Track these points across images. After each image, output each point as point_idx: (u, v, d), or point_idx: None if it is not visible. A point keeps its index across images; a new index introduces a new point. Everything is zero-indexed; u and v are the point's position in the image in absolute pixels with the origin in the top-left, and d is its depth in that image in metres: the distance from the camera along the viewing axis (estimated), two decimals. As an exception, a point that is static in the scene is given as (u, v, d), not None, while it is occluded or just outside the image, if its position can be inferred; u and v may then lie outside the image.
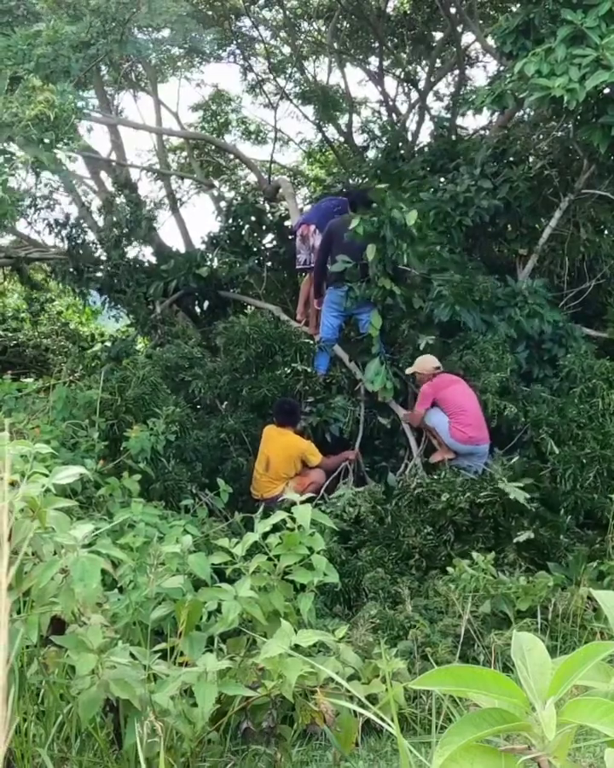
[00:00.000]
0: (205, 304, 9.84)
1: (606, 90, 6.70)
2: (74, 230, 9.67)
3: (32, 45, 5.71)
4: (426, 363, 7.05)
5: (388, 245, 7.20)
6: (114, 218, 9.61)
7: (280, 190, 10.86)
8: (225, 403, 7.76)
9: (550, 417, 7.12)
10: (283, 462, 6.92)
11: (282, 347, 7.71)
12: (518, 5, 8.21)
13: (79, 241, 9.67)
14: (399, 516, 6.28)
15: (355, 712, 2.60)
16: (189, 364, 7.80)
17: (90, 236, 10.10)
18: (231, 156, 14.11)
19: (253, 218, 9.99)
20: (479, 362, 7.31)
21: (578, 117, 7.38)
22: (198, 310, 9.97)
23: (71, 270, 9.68)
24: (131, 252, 9.80)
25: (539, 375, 7.87)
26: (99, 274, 9.70)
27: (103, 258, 9.72)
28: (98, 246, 9.91)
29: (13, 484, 2.26)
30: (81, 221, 10.04)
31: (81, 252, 9.67)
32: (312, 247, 8.44)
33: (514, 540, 5.82)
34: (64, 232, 9.61)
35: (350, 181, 11.09)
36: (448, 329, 7.82)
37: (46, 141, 5.29)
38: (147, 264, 9.85)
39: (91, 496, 5.29)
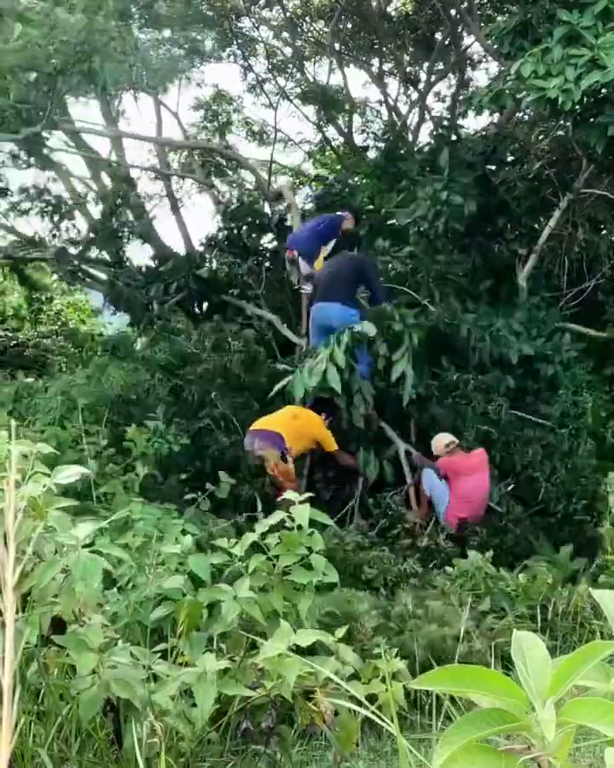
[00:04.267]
0: (205, 305, 9.85)
1: (603, 91, 6.71)
2: (72, 230, 9.71)
3: None
4: (439, 442, 7.00)
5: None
6: (113, 218, 9.62)
7: (282, 196, 10.79)
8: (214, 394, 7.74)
9: (540, 457, 7.23)
10: (310, 425, 6.98)
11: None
12: (516, 6, 8.22)
13: (77, 241, 9.70)
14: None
15: (355, 711, 2.60)
16: (183, 363, 7.82)
17: (89, 236, 10.12)
18: (231, 157, 14.11)
19: (252, 219, 10.00)
20: (465, 409, 7.37)
21: (577, 117, 7.39)
22: (198, 311, 9.98)
23: (69, 269, 9.70)
24: (130, 251, 9.82)
25: (532, 388, 7.90)
26: (101, 274, 9.73)
27: (101, 257, 9.73)
28: (96, 245, 9.92)
29: (17, 484, 2.25)
30: (79, 221, 10.07)
31: (80, 251, 9.70)
32: (299, 272, 8.49)
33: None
34: (61, 232, 9.64)
35: (350, 181, 11.10)
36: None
37: None
38: (146, 267, 9.87)
39: (98, 496, 5.32)
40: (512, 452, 7.28)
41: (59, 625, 2.51)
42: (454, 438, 7.00)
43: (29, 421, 5.85)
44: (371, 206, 8.95)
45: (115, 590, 3.13)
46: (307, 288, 8.40)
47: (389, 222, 9.15)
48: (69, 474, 2.36)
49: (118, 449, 6.11)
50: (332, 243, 8.39)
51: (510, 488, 7.01)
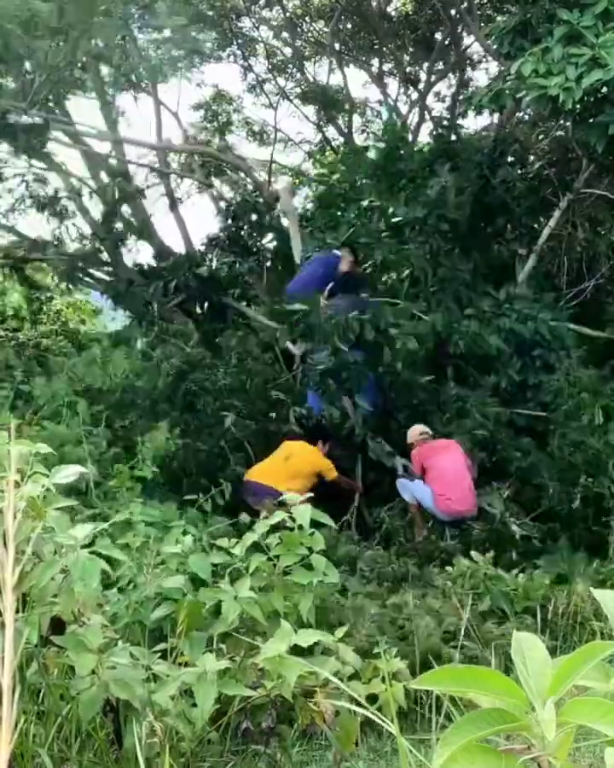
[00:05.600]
0: (205, 304, 9.86)
1: (604, 89, 6.70)
2: (72, 230, 9.73)
3: None
4: (413, 431, 7.11)
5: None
6: (113, 217, 9.63)
7: (279, 202, 10.72)
8: (229, 415, 7.71)
9: (537, 464, 7.21)
10: (305, 462, 6.92)
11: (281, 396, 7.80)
12: (516, 6, 8.22)
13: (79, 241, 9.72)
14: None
15: (355, 711, 2.60)
16: (192, 368, 7.83)
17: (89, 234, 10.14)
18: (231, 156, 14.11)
19: (253, 218, 10.00)
20: (457, 417, 7.39)
21: (577, 116, 7.39)
22: (198, 310, 9.98)
23: (70, 269, 9.71)
24: (131, 251, 9.84)
25: (534, 382, 7.88)
26: (100, 274, 9.74)
27: (104, 257, 9.75)
28: (97, 243, 9.94)
29: (17, 484, 2.25)
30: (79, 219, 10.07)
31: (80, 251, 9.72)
32: None
33: None
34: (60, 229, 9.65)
35: (350, 182, 11.08)
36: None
37: None
38: (146, 267, 9.88)
39: (99, 494, 5.33)
40: (509, 458, 7.26)
41: (58, 626, 2.51)
42: (427, 429, 7.07)
43: (31, 420, 5.86)
44: (373, 201, 8.95)
45: (116, 590, 3.13)
46: None
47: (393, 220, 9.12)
48: (67, 473, 2.36)
49: (122, 447, 6.12)
50: (329, 286, 8.23)
51: (507, 492, 6.95)
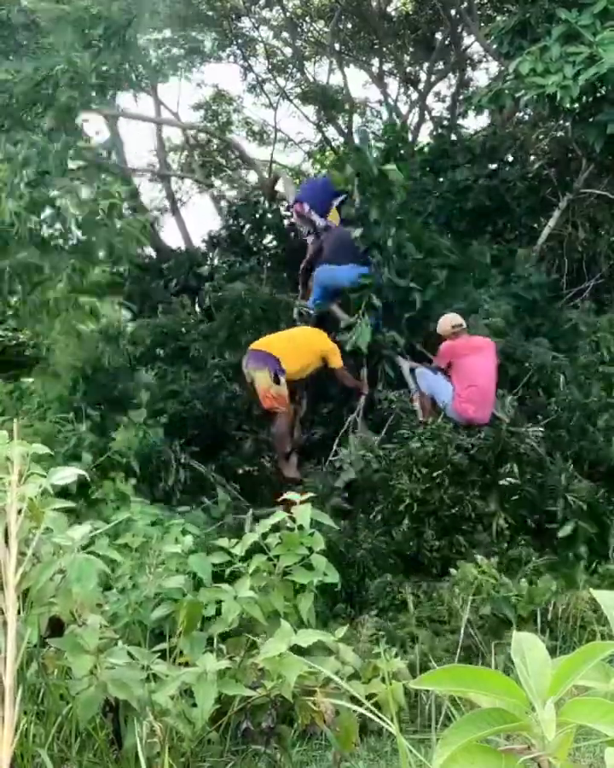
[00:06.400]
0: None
1: (602, 90, 6.72)
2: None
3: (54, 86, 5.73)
4: (445, 322, 6.61)
5: (374, 226, 7.18)
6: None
7: (279, 182, 10.79)
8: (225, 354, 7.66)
9: (555, 360, 6.98)
10: (311, 342, 6.76)
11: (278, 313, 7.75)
12: (516, 6, 8.23)
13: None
14: (392, 462, 6.04)
15: (355, 711, 2.60)
16: (186, 330, 7.84)
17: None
18: (232, 155, 14.12)
19: (253, 217, 10.00)
20: (475, 313, 7.21)
21: (576, 116, 7.40)
22: (198, 309, 9.98)
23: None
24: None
25: (541, 330, 7.72)
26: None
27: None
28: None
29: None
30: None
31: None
32: (310, 222, 8.44)
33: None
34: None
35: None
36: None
37: None
38: (147, 261, 9.89)
39: (85, 495, 5.29)
40: (526, 367, 6.94)
41: (57, 626, 2.51)
42: (462, 320, 6.61)
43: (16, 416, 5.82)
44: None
45: (116, 590, 3.13)
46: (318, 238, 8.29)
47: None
48: (65, 475, 2.36)
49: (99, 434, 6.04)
50: (342, 197, 8.23)
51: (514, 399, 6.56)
